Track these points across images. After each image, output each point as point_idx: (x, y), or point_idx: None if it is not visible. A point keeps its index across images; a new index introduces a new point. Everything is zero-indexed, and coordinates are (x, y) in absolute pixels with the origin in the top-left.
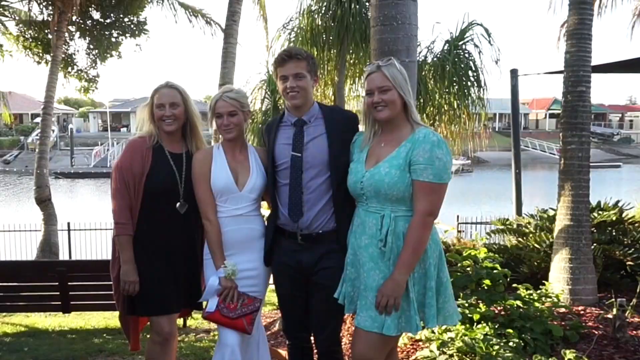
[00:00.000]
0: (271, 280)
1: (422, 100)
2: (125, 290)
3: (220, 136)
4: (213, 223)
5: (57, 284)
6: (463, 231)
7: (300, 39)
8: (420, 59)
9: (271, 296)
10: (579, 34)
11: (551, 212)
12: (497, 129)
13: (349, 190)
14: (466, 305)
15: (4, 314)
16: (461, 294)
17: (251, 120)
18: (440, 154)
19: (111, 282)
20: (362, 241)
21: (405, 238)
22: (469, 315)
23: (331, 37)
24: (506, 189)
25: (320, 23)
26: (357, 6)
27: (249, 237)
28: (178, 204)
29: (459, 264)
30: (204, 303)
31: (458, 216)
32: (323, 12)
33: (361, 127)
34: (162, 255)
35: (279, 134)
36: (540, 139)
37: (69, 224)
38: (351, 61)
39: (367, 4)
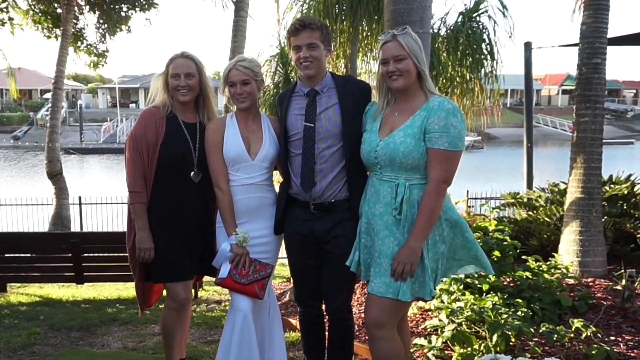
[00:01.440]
0: (281, 253)
1: (434, 72)
2: (141, 258)
3: (234, 106)
4: (224, 192)
5: (70, 255)
6: (472, 206)
7: (312, 10)
8: (434, 31)
9: (281, 270)
10: (595, 5)
11: (562, 186)
12: (508, 105)
13: (363, 160)
14: (475, 275)
15: (19, 284)
16: None
17: (262, 93)
18: (455, 121)
19: (123, 254)
20: (377, 209)
21: (420, 205)
22: (478, 285)
23: (344, 8)
24: (517, 165)
25: None
26: None
27: (261, 205)
28: (192, 173)
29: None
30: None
31: (468, 191)
32: None
33: (374, 99)
34: (176, 223)
35: (292, 104)
36: (553, 115)
37: (80, 197)
38: (364, 34)
39: None
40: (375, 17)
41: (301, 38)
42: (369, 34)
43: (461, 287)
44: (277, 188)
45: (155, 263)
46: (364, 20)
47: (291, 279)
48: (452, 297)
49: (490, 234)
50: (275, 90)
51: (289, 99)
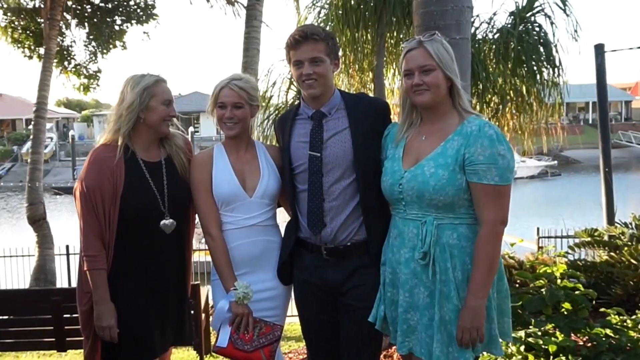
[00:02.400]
0: (290, 309)
1: (480, 86)
2: (100, 337)
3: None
4: (216, 238)
5: (50, 316)
6: (544, 247)
7: (330, 18)
8: (478, 36)
9: (292, 329)
10: None
11: None
12: (590, 122)
13: (384, 194)
14: (540, 334)
15: None
16: (533, 321)
17: (268, 114)
18: (502, 149)
19: None
20: (402, 256)
21: (475, 255)
22: (544, 346)
23: (367, 13)
24: (599, 195)
25: None
26: None
27: (265, 251)
28: (162, 223)
29: (531, 285)
30: (212, 335)
31: (538, 229)
32: None
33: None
34: (147, 289)
35: (295, 130)
36: None
37: (67, 246)
38: (392, 41)
39: None
40: (405, 21)
41: (303, 52)
42: (398, 40)
43: (522, 348)
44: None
45: (120, 340)
46: (391, 26)
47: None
48: None
49: (558, 282)
50: None
51: (291, 124)
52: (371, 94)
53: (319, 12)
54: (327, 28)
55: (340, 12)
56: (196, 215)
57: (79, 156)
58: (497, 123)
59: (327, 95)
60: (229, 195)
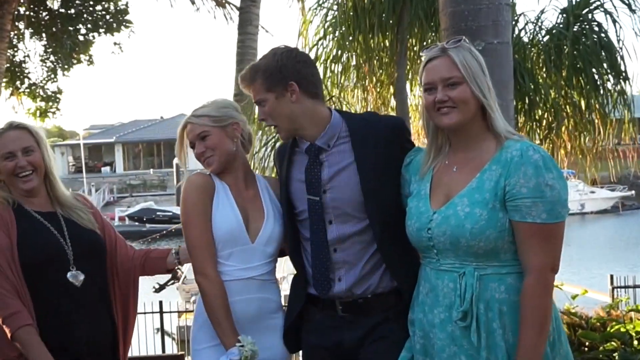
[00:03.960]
0: None
1: (527, 100)
2: None
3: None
4: (213, 280)
5: None
6: (620, 299)
7: (340, 20)
8: (524, 40)
9: None
10: None
11: None
12: None
13: (411, 241)
14: None
15: None
16: None
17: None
18: (551, 178)
19: None
20: (435, 316)
21: (522, 312)
22: None
23: (384, 15)
24: None
25: None
26: None
27: (262, 312)
28: (69, 274)
29: (600, 348)
30: None
31: (612, 277)
32: None
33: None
34: (54, 348)
35: (294, 166)
36: None
37: None
38: (415, 48)
39: None
40: (431, 23)
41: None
42: (422, 45)
43: None
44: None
45: None
46: (414, 29)
47: None
48: None
49: (636, 343)
50: None
51: (289, 158)
52: (393, 113)
53: (326, 15)
54: (336, 33)
55: (351, 13)
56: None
57: None
58: (551, 145)
59: (313, 127)
60: (229, 236)
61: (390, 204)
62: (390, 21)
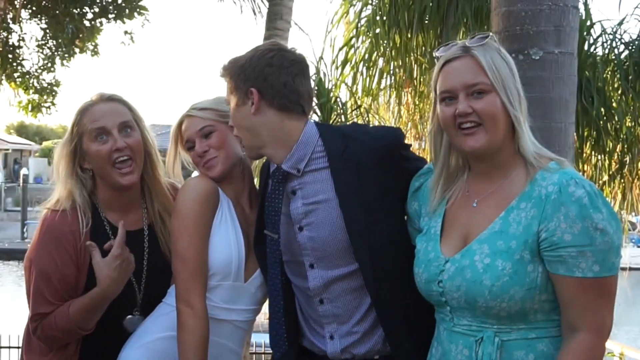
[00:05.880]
0: None
1: (596, 127)
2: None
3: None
4: (199, 314)
5: None
6: None
7: (377, 17)
8: (597, 53)
9: None
10: None
11: None
12: None
13: (421, 293)
14: None
15: None
16: None
17: None
18: (601, 220)
19: None
20: None
21: None
22: None
23: (426, 13)
24: None
25: None
26: None
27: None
28: (128, 319)
29: None
30: None
31: None
32: None
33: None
34: None
35: (274, 193)
36: None
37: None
38: None
39: None
40: (481, 25)
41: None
42: None
43: None
44: None
45: None
46: (461, 30)
47: None
48: None
49: None
50: None
51: (265, 179)
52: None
53: (362, 10)
54: (369, 33)
55: (386, 9)
56: None
57: (32, 205)
58: (622, 182)
59: (277, 147)
60: (224, 269)
61: (387, 243)
62: (434, 21)
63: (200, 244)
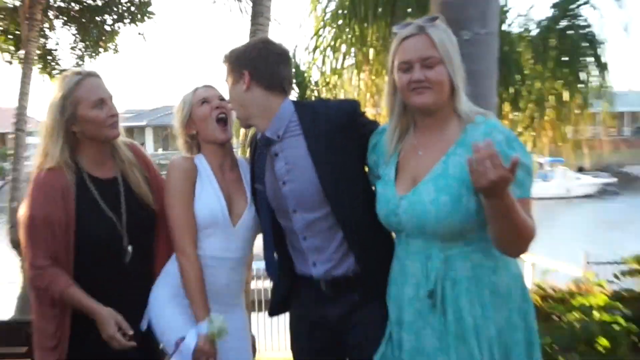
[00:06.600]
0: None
1: (513, 90)
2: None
3: (210, 147)
4: (192, 259)
5: (24, 351)
6: (589, 274)
7: (339, 11)
8: (513, 32)
9: None
10: None
11: None
12: None
13: (382, 223)
14: None
15: None
16: (561, 358)
17: None
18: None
19: None
20: (405, 294)
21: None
22: None
23: (379, 9)
24: None
25: None
26: None
27: (234, 292)
28: (122, 251)
29: (564, 317)
30: None
31: (586, 254)
32: None
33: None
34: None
35: (260, 157)
36: None
37: None
38: None
39: None
40: (422, 12)
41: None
42: None
43: None
44: None
45: None
46: (408, 16)
47: None
48: None
49: (596, 314)
50: None
51: (254, 147)
52: None
53: (327, 5)
54: (340, 23)
55: (345, 3)
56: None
57: None
58: (534, 133)
59: (262, 118)
60: (212, 219)
61: (352, 190)
62: (385, 11)
63: (184, 205)
